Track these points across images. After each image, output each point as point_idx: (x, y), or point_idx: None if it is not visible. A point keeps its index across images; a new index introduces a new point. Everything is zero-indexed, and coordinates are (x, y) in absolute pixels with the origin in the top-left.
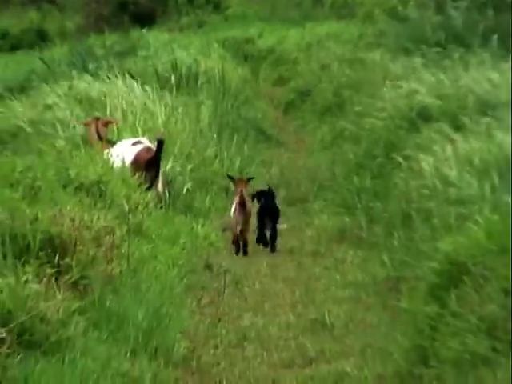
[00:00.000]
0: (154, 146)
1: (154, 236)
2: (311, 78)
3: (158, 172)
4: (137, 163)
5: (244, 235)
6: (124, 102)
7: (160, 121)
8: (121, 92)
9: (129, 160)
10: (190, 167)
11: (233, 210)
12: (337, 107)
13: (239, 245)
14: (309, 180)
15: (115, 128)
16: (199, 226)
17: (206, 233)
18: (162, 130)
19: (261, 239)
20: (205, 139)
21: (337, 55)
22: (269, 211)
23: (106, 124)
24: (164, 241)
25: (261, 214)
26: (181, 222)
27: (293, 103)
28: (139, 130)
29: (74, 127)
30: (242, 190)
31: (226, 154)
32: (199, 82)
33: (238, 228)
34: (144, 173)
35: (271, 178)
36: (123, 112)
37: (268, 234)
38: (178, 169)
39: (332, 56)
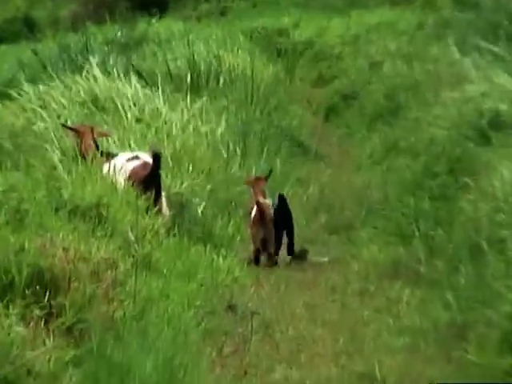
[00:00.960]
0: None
1: (165, 270)
2: (358, 77)
3: (159, 192)
4: (132, 182)
5: (268, 248)
6: (129, 107)
7: (174, 130)
8: (126, 95)
9: (122, 178)
10: (209, 187)
11: (251, 220)
12: (389, 113)
13: (259, 258)
14: (355, 202)
15: (117, 139)
16: (220, 258)
17: (228, 266)
18: (154, 140)
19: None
20: (228, 152)
21: (390, 50)
22: (282, 222)
23: (103, 135)
24: (177, 276)
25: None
26: (198, 253)
27: (336, 108)
28: (148, 141)
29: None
30: (258, 197)
31: (253, 170)
32: (221, 83)
33: (260, 242)
34: (142, 193)
35: (309, 200)
36: (128, 120)
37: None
38: (196, 188)
39: (384, 51)
